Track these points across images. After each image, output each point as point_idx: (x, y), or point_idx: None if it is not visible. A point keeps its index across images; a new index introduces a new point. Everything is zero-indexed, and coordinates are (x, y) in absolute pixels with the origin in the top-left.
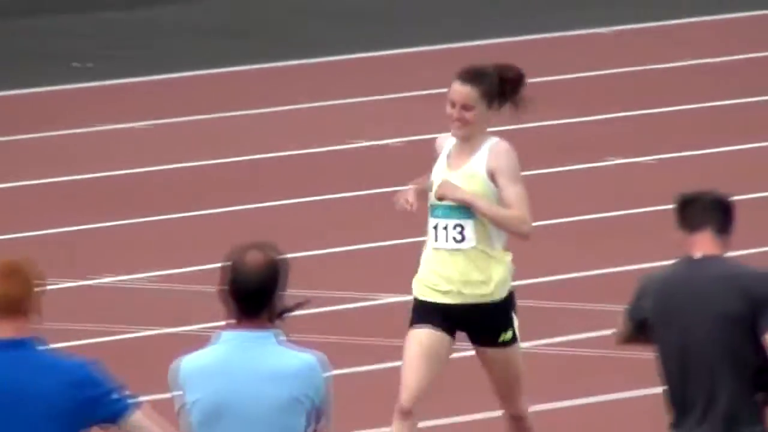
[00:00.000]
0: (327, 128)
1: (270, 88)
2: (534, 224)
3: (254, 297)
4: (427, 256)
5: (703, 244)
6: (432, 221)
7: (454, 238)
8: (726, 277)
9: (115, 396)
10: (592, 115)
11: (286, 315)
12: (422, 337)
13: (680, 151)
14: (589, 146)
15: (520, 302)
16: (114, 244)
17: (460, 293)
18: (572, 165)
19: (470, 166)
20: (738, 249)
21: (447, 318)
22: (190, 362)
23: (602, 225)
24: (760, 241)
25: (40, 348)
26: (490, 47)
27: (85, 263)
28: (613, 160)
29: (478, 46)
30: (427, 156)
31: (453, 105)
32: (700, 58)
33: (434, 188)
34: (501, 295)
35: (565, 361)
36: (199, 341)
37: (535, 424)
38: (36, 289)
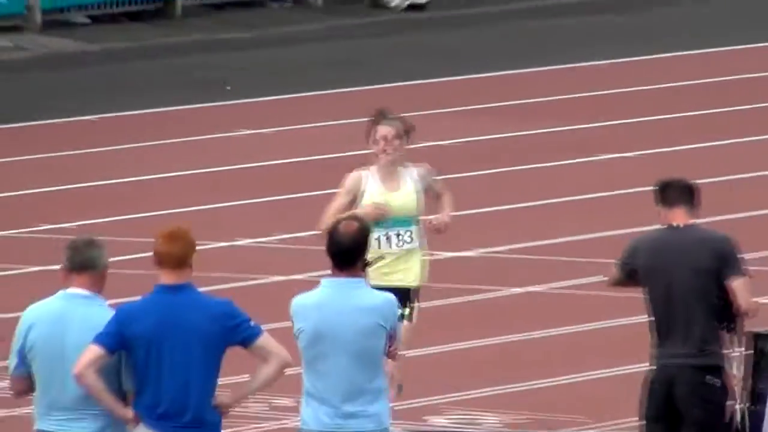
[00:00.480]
0: None
1: None
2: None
3: (348, 253)
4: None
5: (680, 217)
6: (380, 231)
7: (405, 241)
8: (700, 240)
9: (246, 325)
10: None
11: (368, 267)
12: None
13: (656, 149)
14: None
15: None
16: (255, 216)
17: (401, 280)
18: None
19: (406, 187)
20: (704, 218)
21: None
22: (298, 300)
23: (593, 204)
24: (720, 212)
25: (194, 291)
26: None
27: (228, 229)
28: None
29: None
30: None
31: (384, 139)
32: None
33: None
34: (419, 282)
35: (564, 299)
36: (311, 285)
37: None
38: (191, 249)
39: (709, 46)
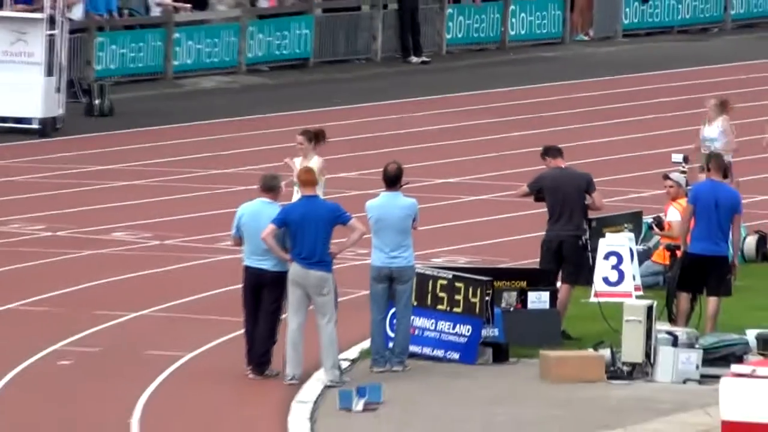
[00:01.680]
0: None
1: None
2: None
3: (395, 178)
4: None
5: (561, 163)
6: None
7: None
8: (577, 174)
9: (345, 214)
10: None
11: (403, 186)
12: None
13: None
14: None
15: None
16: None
17: None
18: None
19: (312, 163)
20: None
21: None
22: (369, 203)
23: None
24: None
25: (318, 198)
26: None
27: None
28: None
29: None
30: None
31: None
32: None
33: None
34: None
35: None
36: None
37: None
38: (315, 178)
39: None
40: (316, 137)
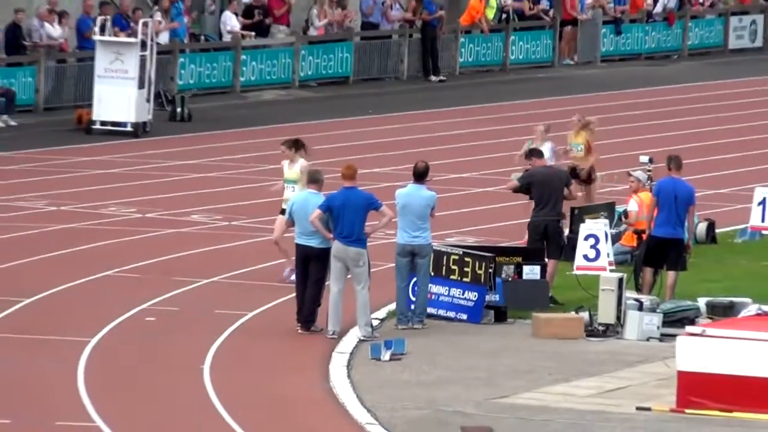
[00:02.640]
0: None
1: None
2: None
3: (423, 174)
4: None
5: (545, 162)
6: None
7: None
8: (560, 171)
9: (377, 201)
10: None
11: (427, 180)
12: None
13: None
14: None
15: None
16: None
17: None
18: None
19: (296, 167)
20: None
21: None
22: (398, 191)
23: None
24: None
25: (357, 188)
26: None
27: None
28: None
29: None
30: None
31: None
32: None
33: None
34: None
35: None
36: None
37: None
38: (355, 172)
39: None
40: (296, 145)
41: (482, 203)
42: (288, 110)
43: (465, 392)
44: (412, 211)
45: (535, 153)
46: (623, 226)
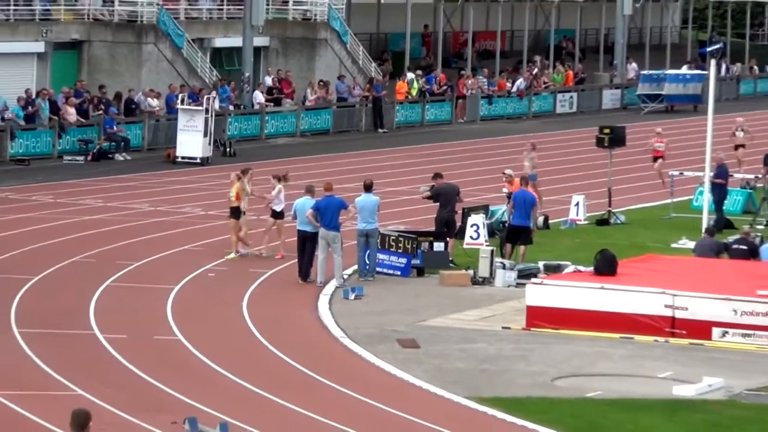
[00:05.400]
0: None
1: None
2: None
3: (369, 186)
4: None
5: (444, 181)
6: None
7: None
8: (454, 186)
9: (346, 203)
10: None
11: (373, 190)
12: None
13: None
14: None
15: None
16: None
17: None
18: None
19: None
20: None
21: None
22: (357, 198)
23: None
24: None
25: (334, 196)
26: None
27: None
28: None
29: None
30: None
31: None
32: None
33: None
34: None
35: None
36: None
37: None
38: (331, 187)
39: None
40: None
41: (409, 205)
42: (293, 150)
43: (399, 318)
44: (366, 209)
45: (438, 175)
46: (494, 218)
